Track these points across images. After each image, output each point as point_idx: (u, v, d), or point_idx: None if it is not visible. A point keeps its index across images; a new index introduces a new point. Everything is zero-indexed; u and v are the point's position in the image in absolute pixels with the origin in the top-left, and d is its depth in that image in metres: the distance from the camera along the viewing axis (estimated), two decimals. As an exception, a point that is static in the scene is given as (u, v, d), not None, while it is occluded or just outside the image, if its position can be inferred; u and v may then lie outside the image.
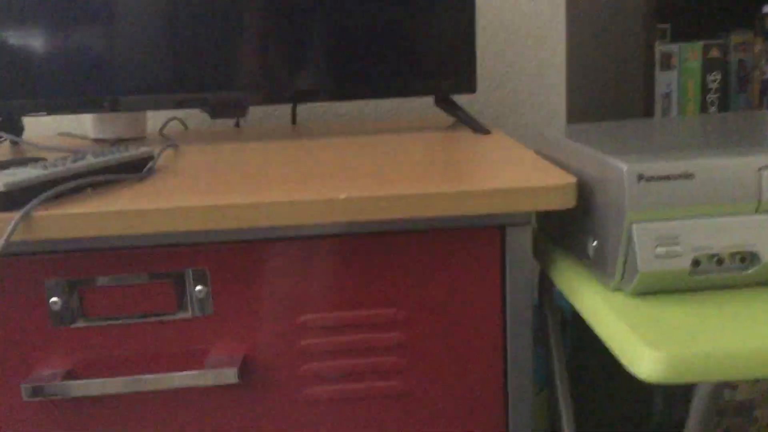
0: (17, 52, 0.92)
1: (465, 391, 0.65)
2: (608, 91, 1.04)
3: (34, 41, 0.94)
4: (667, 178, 0.51)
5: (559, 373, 0.77)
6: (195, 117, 1.24)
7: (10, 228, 0.54)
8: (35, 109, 0.94)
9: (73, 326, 0.61)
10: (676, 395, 1.04)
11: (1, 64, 0.93)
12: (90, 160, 0.63)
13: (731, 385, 1.08)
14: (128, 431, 0.64)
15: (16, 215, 0.54)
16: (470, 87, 0.96)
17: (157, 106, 0.95)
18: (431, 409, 0.65)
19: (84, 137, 1.09)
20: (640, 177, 0.51)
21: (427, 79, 0.96)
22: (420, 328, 0.64)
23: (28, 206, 0.55)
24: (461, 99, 1.25)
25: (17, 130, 0.98)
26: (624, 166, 0.51)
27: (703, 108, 1.04)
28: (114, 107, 0.94)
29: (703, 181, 0.51)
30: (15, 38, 0.93)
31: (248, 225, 0.56)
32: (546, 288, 0.79)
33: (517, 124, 1.29)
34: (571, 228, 0.64)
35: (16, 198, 0.55)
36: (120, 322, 0.62)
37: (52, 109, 0.94)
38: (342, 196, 0.56)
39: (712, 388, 0.50)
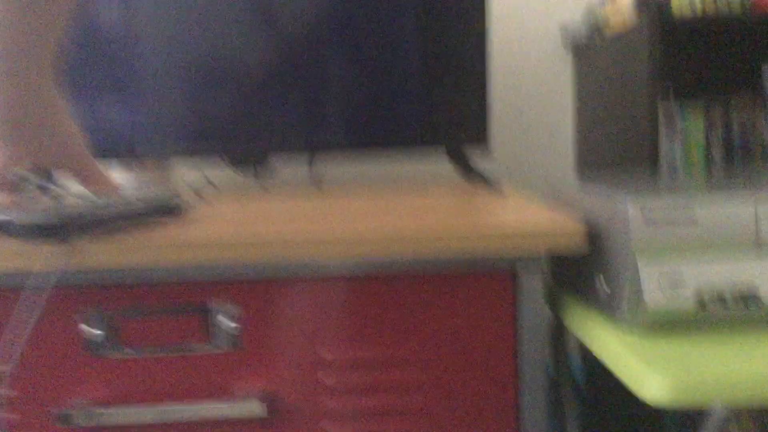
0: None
1: None
2: (615, 148, 1.09)
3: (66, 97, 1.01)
4: (670, 216, 0.54)
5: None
6: (220, 178, 1.30)
7: (64, 260, 0.58)
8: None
9: (106, 357, 0.65)
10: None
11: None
12: (130, 199, 0.67)
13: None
14: (153, 462, 0.66)
15: (64, 247, 0.59)
16: (483, 139, 1.01)
17: (179, 154, 1.02)
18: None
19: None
20: (645, 216, 0.54)
21: (443, 132, 1.02)
22: (437, 370, 0.66)
23: (80, 239, 0.59)
24: (477, 157, 1.31)
25: (46, 176, 1.04)
26: (629, 206, 0.54)
27: (707, 165, 1.08)
28: (135, 155, 1.01)
29: (704, 220, 0.55)
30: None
31: (276, 259, 0.60)
32: (558, 347, 0.81)
33: (528, 181, 1.34)
34: (581, 271, 0.67)
35: (61, 229, 0.59)
36: (152, 354, 0.65)
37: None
38: (364, 232, 0.60)
39: (722, 414, 0.52)
